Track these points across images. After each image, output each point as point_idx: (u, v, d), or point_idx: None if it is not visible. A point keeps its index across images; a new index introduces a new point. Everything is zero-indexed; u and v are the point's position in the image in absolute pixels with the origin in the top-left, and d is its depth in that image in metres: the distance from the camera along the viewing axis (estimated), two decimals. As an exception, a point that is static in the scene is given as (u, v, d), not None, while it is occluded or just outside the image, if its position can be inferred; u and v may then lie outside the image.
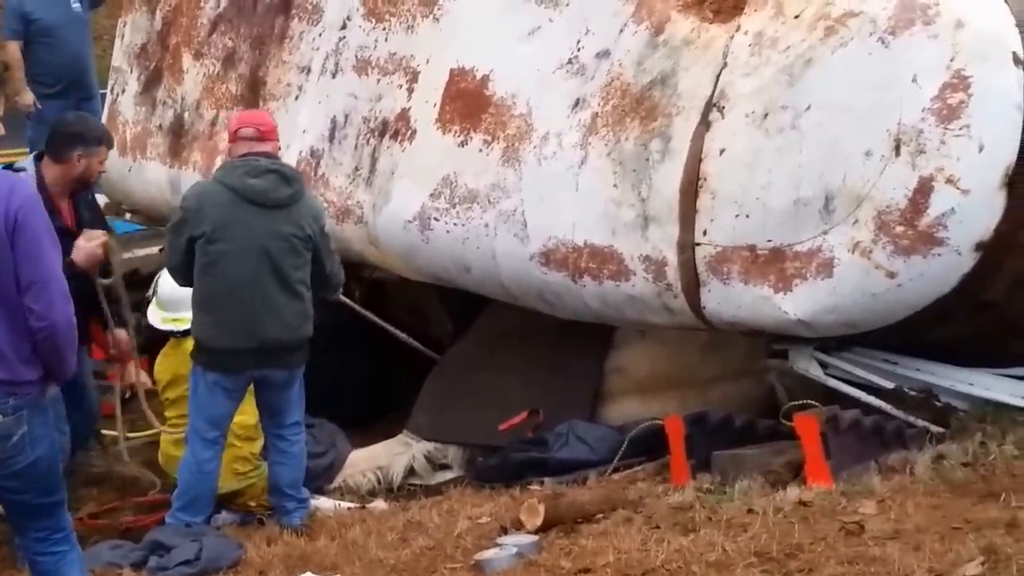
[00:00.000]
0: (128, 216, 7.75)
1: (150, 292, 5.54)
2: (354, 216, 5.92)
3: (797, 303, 4.61)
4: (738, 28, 4.89)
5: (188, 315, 5.19)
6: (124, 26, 7.37)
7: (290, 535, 4.79)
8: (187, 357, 5.15)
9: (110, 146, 5.30)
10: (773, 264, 4.62)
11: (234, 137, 5.02)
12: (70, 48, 7.78)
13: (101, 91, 7.91)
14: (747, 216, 4.67)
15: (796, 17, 4.77)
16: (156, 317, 5.43)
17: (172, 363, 5.35)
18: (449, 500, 4.98)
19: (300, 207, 4.84)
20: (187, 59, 6.86)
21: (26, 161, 5.25)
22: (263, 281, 4.76)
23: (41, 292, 3.55)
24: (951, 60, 4.51)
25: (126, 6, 7.38)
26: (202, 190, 4.95)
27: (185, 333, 5.26)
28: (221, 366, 4.84)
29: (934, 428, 4.69)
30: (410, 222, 5.66)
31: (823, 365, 4.86)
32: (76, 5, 7.87)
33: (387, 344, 6.10)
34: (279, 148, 5.05)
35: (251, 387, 5.02)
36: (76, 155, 4.96)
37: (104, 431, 5.79)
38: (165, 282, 5.29)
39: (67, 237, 4.77)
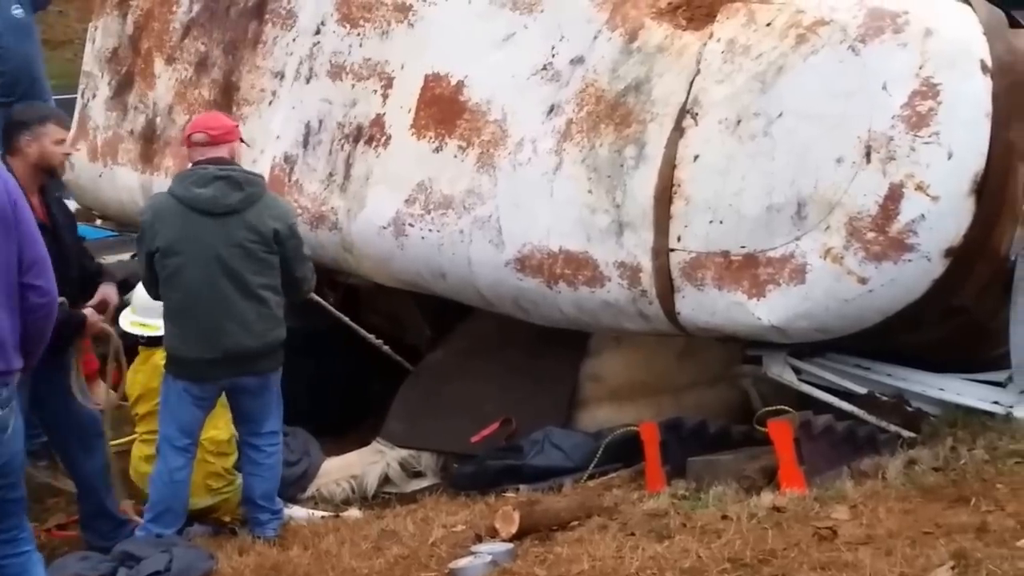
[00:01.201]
0: (99, 222, 7.69)
1: (128, 296, 5.52)
2: (328, 222, 5.90)
3: (770, 309, 4.64)
4: (711, 35, 4.92)
5: (154, 322, 5.18)
6: (95, 30, 7.30)
7: (263, 545, 4.76)
8: (157, 371, 5.12)
9: (61, 125, 5.10)
10: (746, 270, 4.65)
11: (188, 143, 4.97)
12: (16, 55, 7.62)
13: (56, 96, 7.83)
14: (721, 222, 4.70)
15: (768, 25, 4.81)
16: (125, 320, 5.40)
17: (143, 377, 5.31)
18: (424, 508, 4.96)
19: (256, 210, 4.77)
20: (159, 64, 6.81)
21: None
22: (222, 290, 4.72)
23: (43, 269, 3.66)
24: (920, 68, 4.56)
25: (97, 10, 7.32)
26: (155, 203, 4.93)
27: (151, 341, 5.24)
28: (189, 375, 4.83)
29: (905, 433, 4.73)
30: (385, 228, 5.65)
31: (796, 371, 4.90)
32: (17, 10, 7.67)
33: (362, 352, 6.08)
34: (236, 149, 4.93)
35: (225, 400, 5.00)
36: (24, 140, 4.87)
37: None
38: (140, 287, 5.26)
39: (48, 231, 4.71)
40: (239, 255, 4.73)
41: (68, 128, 5.29)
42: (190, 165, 5.00)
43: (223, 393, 4.96)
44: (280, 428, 5.00)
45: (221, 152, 4.86)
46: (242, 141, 5.07)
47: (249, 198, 4.78)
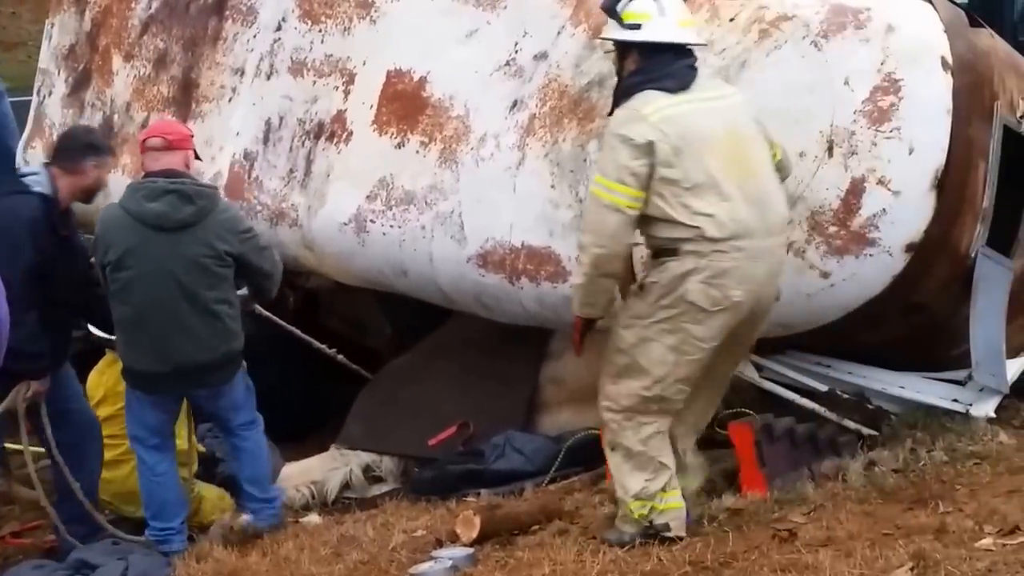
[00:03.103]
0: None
1: None
2: (289, 219, 5.83)
3: (733, 304, 4.61)
4: (674, 30, 4.89)
5: None
6: (52, 27, 7.20)
7: (221, 551, 4.69)
8: (120, 374, 5.06)
9: (114, 155, 5.33)
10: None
11: (143, 148, 4.92)
12: None
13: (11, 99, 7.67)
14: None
15: (731, 20, 4.80)
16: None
17: (107, 379, 5.25)
18: (384, 513, 4.92)
19: (208, 224, 4.72)
20: (117, 61, 6.72)
21: (34, 167, 5.21)
22: (173, 305, 4.68)
23: None
24: (882, 64, 4.57)
25: (54, 7, 7.21)
26: (107, 216, 4.88)
27: (106, 341, 5.19)
28: (142, 387, 4.82)
29: (866, 431, 4.73)
30: (346, 224, 5.59)
31: (758, 368, 4.88)
32: None
33: (321, 356, 6.01)
34: (191, 157, 4.89)
35: (186, 409, 4.99)
36: (90, 165, 4.96)
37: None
38: None
39: (69, 244, 4.90)
40: (193, 270, 4.69)
41: (111, 155, 5.39)
42: (142, 174, 4.95)
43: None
44: (254, 417, 4.97)
45: (175, 159, 4.81)
46: (197, 157, 5.02)
47: (201, 212, 4.72)
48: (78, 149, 5.01)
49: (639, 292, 3.99)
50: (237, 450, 4.94)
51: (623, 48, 4.08)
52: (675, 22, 4.05)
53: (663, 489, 4.02)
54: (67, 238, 4.93)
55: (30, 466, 5.01)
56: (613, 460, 4.10)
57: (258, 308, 5.33)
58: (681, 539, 4.04)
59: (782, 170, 4.25)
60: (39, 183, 4.85)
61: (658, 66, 3.99)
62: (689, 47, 4.10)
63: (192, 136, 5.03)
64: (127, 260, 4.69)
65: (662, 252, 3.96)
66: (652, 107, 3.94)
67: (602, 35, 4.21)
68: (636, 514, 4.05)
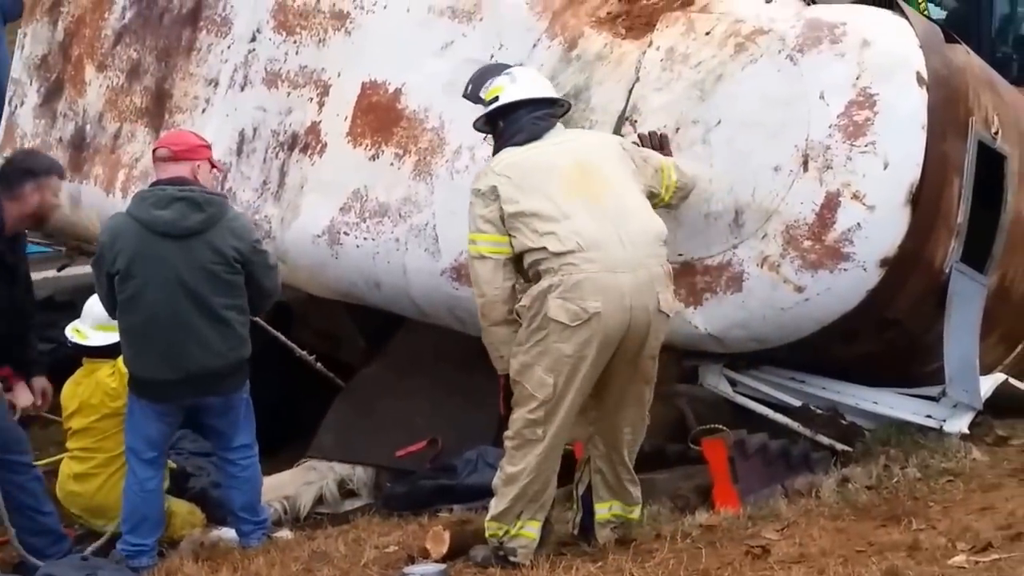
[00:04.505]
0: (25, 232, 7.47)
1: None
2: (262, 231, 5.73)
3: (707, 317, 4.62)
4: (650, 44, 4.91)
5: (88, 330, 5.10)
6: (24, 37, 7.13)
7: (191, 566, 4.63)
8: (99, 388, 5.04)
9: (62, 177, 5.25)
10: (684, 278, 4.62)
11: (153, 158, 4.94)
12: None
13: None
14: (657, 230, 4.66)
15: (707, 34, 4.81)
16: (70, 327, 5.28)
17: (83, 391, 5.18)
18: (356, 529, 4.88)
19: (218, 231, 4.69)
20: (90, 71, 6.66)
21: None
22: (184, 312, 4.65)
23: None
24: (857, 78, 4.58)
25: (26, 17, 7.16)
26: (115, 224, 4.83)
27: (97, 353, 5.13)
28: (151, 396, 4.77)
29: (839, 446, 4.72)
30: (319, 236, 5.55)
31: (732, 383, 4.87)
32: None
33: (294, 370, 5.96)
34: (198, 167, 4.84)
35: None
36: (29, 189, 4.92)
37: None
38: (93, 299, 5.17)
39: (14, 273, 4.92)
40: (202, 277, 4.66)
41: (64, 178, 5.35)
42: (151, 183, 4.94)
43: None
44: (252, 441, 4.93)
45: (182, 170, 4.78)
46: (213, 166, 4.99)
47: (210, 219, 4.70)
48: (16, 175, 4.99)
49: (518, 320, 4.13)
50: (235, 479, 4.87)
51: (491, 125, 4.39)
52: (526, 86, 4.35)
53: (519, 517, 4.13)
54: (13, 266, 4.89)
55: None
56: (495, 481, 4.23)
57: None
58: (522, 566, 4.10)
59: (681, 189, 4.50)
60: None
61: (512, 125, 4.30)
62: (545, 102, 4.33)
63: (207, 145, 4.98)
64: (135, 268, 4.65)
65: (530, 280, 4.14)
66: (498, 160, 4.27)
67: (474, 126, 4.52)
68: (489, 533, 4.17)
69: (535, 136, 4.25)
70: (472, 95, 4.50)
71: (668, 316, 4.14)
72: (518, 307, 4.10)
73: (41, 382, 5.12)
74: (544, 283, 4.03)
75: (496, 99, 4.32)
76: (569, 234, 4.04)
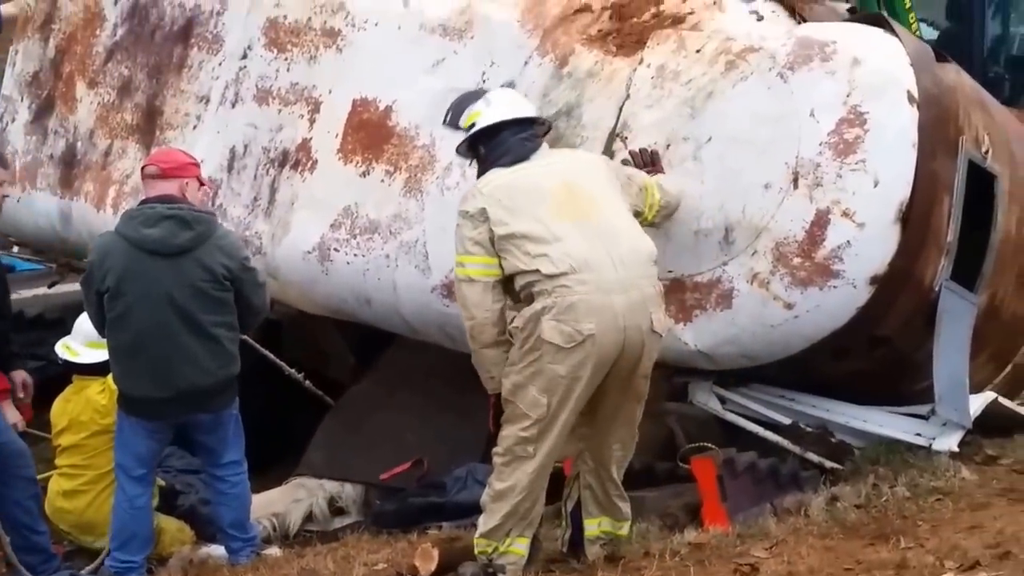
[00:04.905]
0: (15, 248, 7.47)
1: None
2: (252, 247, 5.75)
3: (697, 334, 4.61)
4: (641, 61, 4.92)
5: (79, 347, 5.10)
6: (15, 54, 7.13)
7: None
8: (89, 405, 5.03)
9: (3, 166, 5.17)
10: (674, 294, 4.61)
11: (141, 175, 4.93)
12: None
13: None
14: (648, 247, 4.66)
15: (698, 51, 4.82)
16: (60, 344, 5.27)
17: (73, 408, 5.17)
18: (345, 546, 4.85)
19: (207, 249, 4.70)
20: (81, 88, 6.66)
21: None
22: (173, 330, 4.65)
23: None
24: (848, 96, 4.58)
25: (18, 33, 7.15)
26: (104, 243, 4.84)
27: (87, 370, 5.12)
28: (141, 413, 4.76)
29: (828, 464, 4.70)
30: (309, 253, 5.54)
31: (722, 400, 4.85)
32: None
33: (283, 387, 5.93)
34: (187, 185, 4.84)
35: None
36: None
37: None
38: (83, 317, 5.17)
39: None
40: (192, 295, 4.66)
41: (7, 168, 5.28)
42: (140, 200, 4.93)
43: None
44: (242, 457, 4.92)
45: (171, 188, 4.79)
46: (201, 184, 4.97)
47: (199, 237, 4.70)
48: None
49: (510, 340, 4.12)
50: (224, 496, 4.86)
51: (472, 149, 4.39)
52: (504, 108, 4.33)
53: (508, 534, 4.11)
54: None
55: None
56: (483, 498, 4.21)
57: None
58: None
59: (665, 208, 4.50)
60: None
61: (496, 147, 4.27)
62: (526, 122, 4.32)
63: (195, 163, 4.98)
64: (125, 286, 4.65)
65: (521, 302, 4.12)
66: (486, 182, 4.23)
67: (456, 151, 4.52)
68: (478, 550, 4.15)
69: (522, 157, 4.23)
70: (452, 123, 4.52)
71: (661, 336, 4.14)
72: (510, 327, 4.08)
73: (21, 375, 5.09)
74: (538, 305, 4.02)
75: (474, 125, 4.32)
76: (561, 256, 4.03)
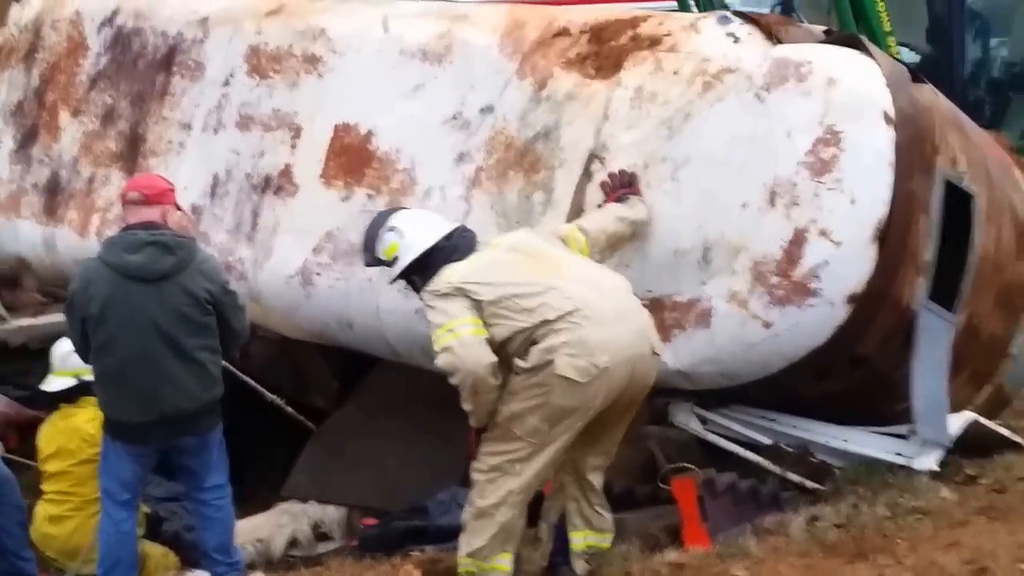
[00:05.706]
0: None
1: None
2: (235, 272, 5.77)
3: (676, 353, 4.61)
4: (619, 83, 4.95)
5: (58, 375, 5.10)
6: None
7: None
8: (76, 433, 5.02)
9: None
10: (653, 314, 4.58)
11: (123, 201, 4.91)
12: None
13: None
14: (627, 266, 4.68)
15: (675, 73, 4.85)
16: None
17: (60, 434, 5.16)
18: (329, 571, 4.84)
19: (189, 273, 4.70)
20: (64, 116, 6.68)
21: None
22: (157, 356, 4.64)
23: None
24: (824, 116, 4.61)
25: (1, 63, 7.19)
26: (86, 270, 4.83)
27: (73, 396, 5.13)
28: (125, 438, 4.74)
29: (809, 484, 4.69)
30: (292, 277, 5.55)
31: (702, 420, 4.85)
32: None
33: (266, 412, 5.92)
34: (167, 211, 4.83)
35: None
36: None
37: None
38: (60, 342, 5.20)
39: None
40: (176, 320, 4.66)
41: None
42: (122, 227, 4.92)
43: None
44: (226, 481, 4.89)
45: (153, 214, 4.79)
46: (179, 208, 4.98)
47: (181, 262, 4.70)
48: None
49: (514, 372, 4.10)
50: (207, 520, 4.82)
51: (408, 281, 4.41)
52: (421, 235, 4.32)
53: (492, 551, 4.11)
54: None
55: None
56: (463, 516, 4.20)
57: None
58: None
59: (610, 238, 4.55)
60: None
61: (436, 261, 4.27)
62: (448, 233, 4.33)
63: (173, 189, 4.97)
64: (109, 312, 4.65)
65: (512, 371, 4.09)
66: (450, 273, 4.21)
67: (389, 280, 4.50)
68: (463, 570, 4.15)
69: (471, 249, 4.28)
70: (374, 261, 4.50)
71: (660, 356, 4.23)
72: (516, 365, 4.05)
73: None
74: (551, 341, 4.01)
75: (396, 258, 4.31)
76: (561, 300, 4.07)
